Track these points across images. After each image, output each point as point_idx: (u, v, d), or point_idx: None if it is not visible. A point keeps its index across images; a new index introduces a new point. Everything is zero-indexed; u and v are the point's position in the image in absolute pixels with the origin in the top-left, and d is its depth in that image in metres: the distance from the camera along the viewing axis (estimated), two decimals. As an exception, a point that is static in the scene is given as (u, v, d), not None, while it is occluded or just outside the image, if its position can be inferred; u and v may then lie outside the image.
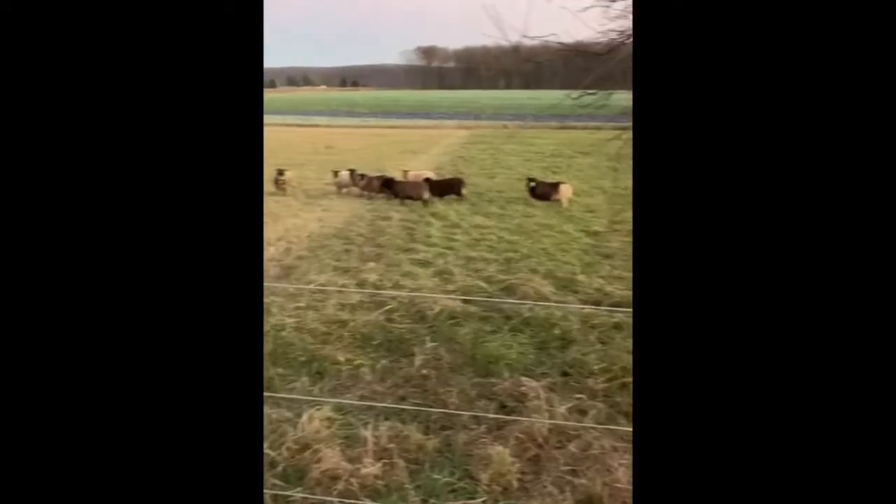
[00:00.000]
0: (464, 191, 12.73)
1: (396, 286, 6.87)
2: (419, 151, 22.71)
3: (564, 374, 4.75)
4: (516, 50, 3.04)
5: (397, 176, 13.40)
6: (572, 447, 3.71)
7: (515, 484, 3.41)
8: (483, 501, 3.28)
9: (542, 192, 12.32)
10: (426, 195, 12.14)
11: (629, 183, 2.06)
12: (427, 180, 12.74)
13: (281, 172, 13.26)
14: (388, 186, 12.58)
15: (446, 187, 12.71)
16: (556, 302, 6.31)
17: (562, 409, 4.13)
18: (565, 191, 12.27)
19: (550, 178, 14.10)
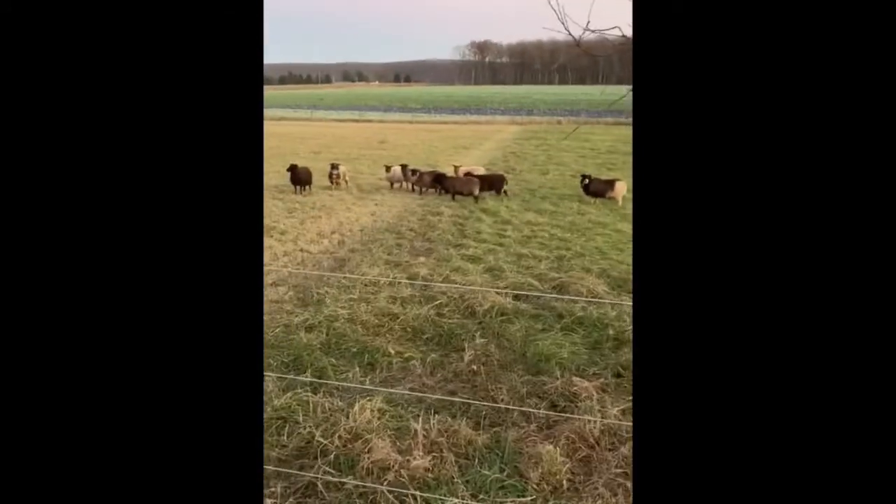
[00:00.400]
0: (504, 187, 12.57)
1: (446, 281, 6.88)
2: (471, 147, 22.68)
3: (618, 375, 4.65)
4: (577, 44, 2.97)
5: (448, 171, 13.43)
6: (625, 450, 3.63)
7: (566, 484, 3.37)
8: (533, 500, 3.26)
9: (596, 188, 12.08)
10: (476, 191, 12.11)
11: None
12: (468, 175, 12.67)
13: (335, 167, 13.52)
14: (439, 182, 12.62)
15: (489, 184, 12.63)
16: (609, 301, 6.18)
17: (615, 410, 4.04)
18: (620, 188, 11.98)
19: (605, 175, 13.83)
